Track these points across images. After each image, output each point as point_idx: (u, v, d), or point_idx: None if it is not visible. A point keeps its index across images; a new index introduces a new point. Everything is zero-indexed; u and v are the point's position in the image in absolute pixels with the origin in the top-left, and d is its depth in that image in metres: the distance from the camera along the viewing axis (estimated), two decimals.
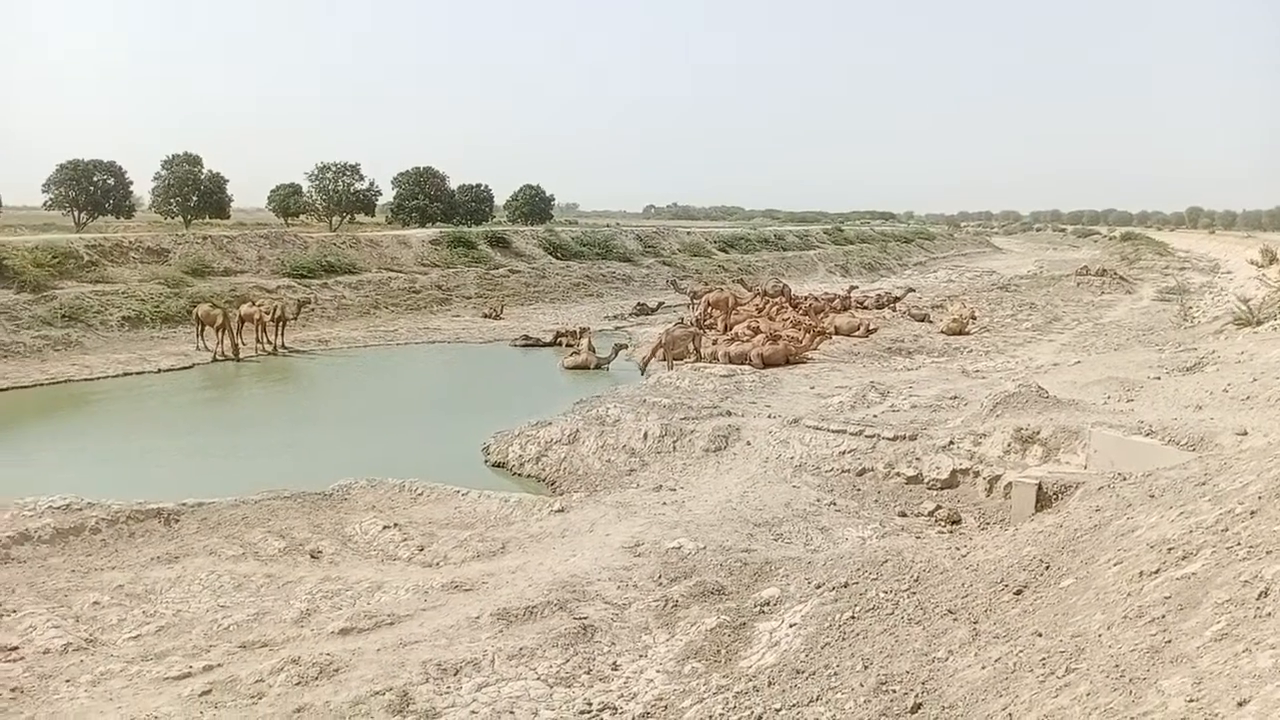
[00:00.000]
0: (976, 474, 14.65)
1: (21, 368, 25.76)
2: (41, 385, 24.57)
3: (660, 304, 43.04)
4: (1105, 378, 19.58)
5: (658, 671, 8.69)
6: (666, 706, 7.88)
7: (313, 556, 12.05)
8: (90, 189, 54.14)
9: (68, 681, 8.62)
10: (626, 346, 29.68)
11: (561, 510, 13.89)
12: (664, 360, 25.97)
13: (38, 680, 8.61)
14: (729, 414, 18.45)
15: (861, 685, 6.41)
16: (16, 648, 9.26)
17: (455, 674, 8.56)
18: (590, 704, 8.10)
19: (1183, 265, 66.10)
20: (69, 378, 25.38)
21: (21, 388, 24.10)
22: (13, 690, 8.38)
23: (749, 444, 16.83)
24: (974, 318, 33.90)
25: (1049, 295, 43.65)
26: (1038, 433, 14.77)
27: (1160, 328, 30.98)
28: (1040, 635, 5.77)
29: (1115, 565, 6.33)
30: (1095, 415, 15.39)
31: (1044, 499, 11.85)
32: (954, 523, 13.44)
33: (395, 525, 13.06)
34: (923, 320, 34.88)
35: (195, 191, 60.27)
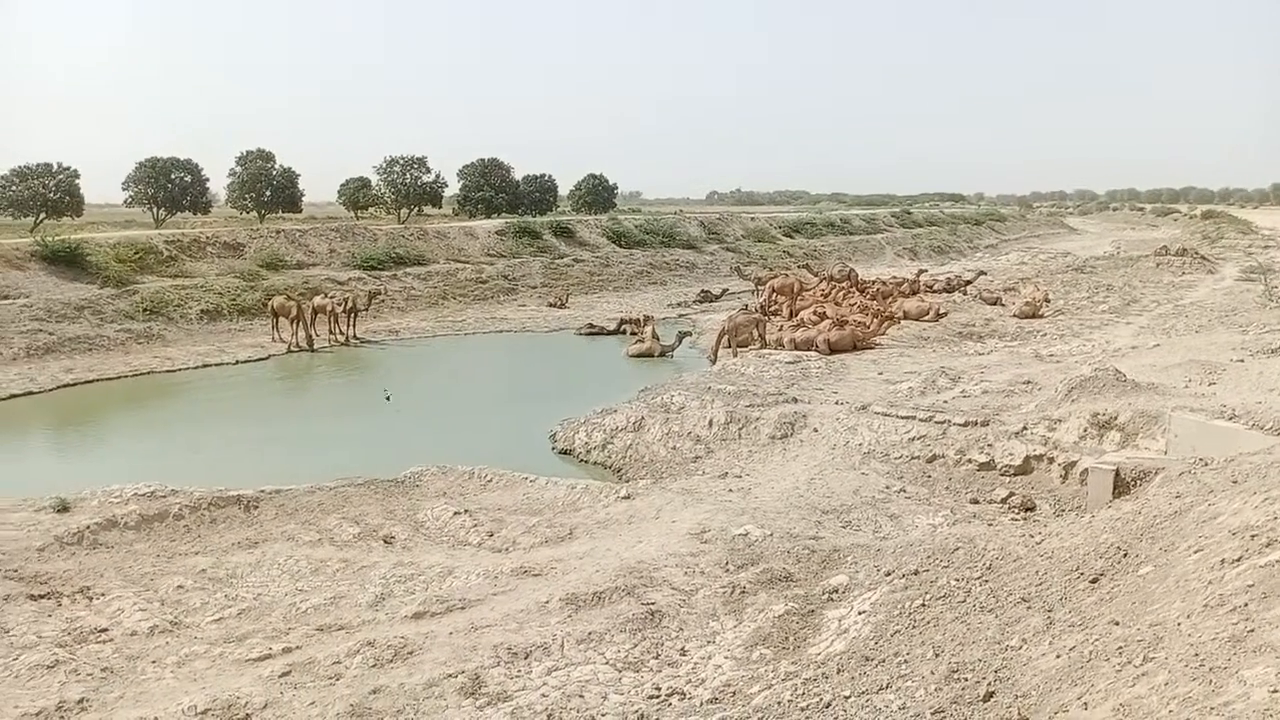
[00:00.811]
0: (1051, 460, 14.35)
1: (106, 360, 26.71)
2: (125, 377, 25.44)
3: (724, 291, 42.86)
4: (1186, 360, 19.00)
5: (726, 657, 8.71)
6: (735, 692, 7.89)
7: (386, 542, 12.31)
8: (168, 186, 55.77)
9: (154, 662, 8.95)
10: (690, 334, 29.64)
11: (628, 497, 13.96)
12: (728, 347, 25.89)
13: (126, 661, 8.96)
14: (795, 400, 18.33)
15: (932, 673, 6.35)
16: (106, 629, 9.65)
17: (525, 657, 8.69)
18: (659, 689, 8.15)
19: (1267, 244, 63.67)
20: (151, 369, 26.25)
21: (107, 379, 25.00)
22: (103, 670, 8.74)
23: (816, 431, 16.71)
24: (1048, 300, 33.10)
25: (1127, 276, 42.41)
26: (1115, 417, 14.41)
27: (1244, 309, 29.87)
28: (1117, 624, 5.64)
29: (1196, 552, 6.16)
30: (1175, 399, 14.95)
31: (1122, 485, 11.56)
32: (1028, 510, 13.20)
33: (465, 511, 13.27)
34: (994, 304, 34.19)
35: (268, 187, 61.71)
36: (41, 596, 10.35)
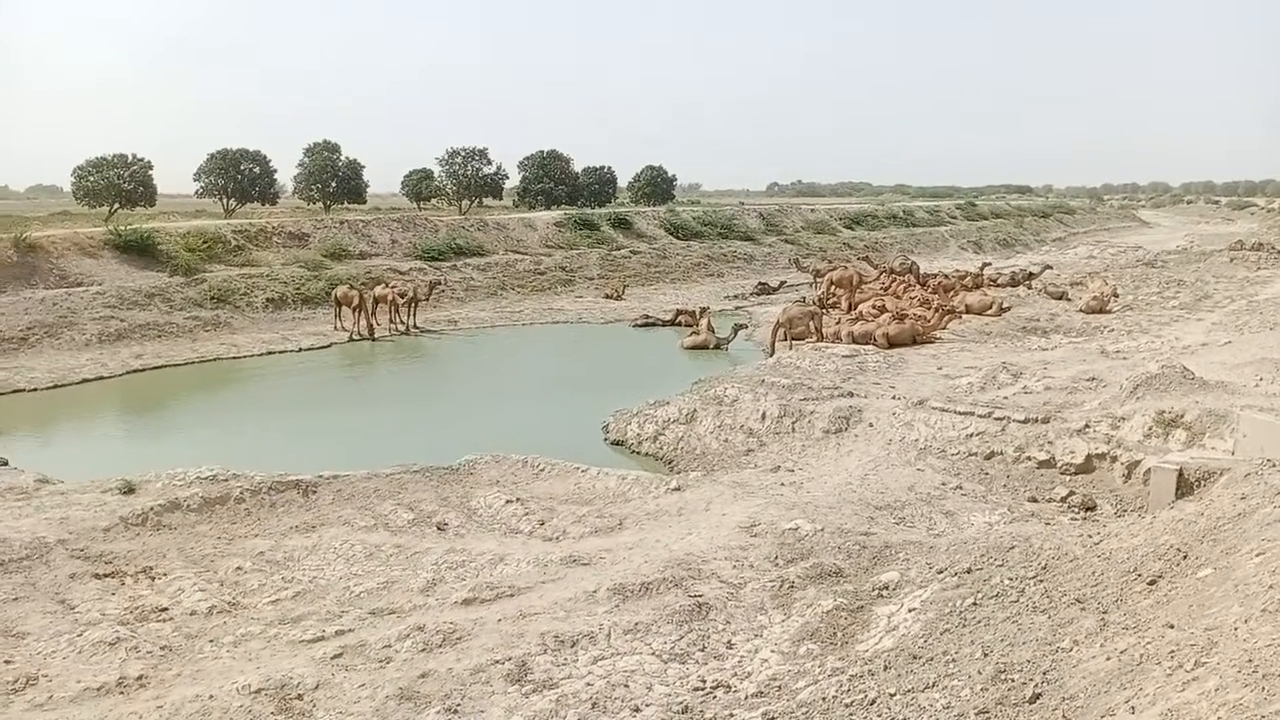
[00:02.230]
0: (1114, 459, 14.00)
1: (174, 347, 27.47)
2: (192, 363, 26.15)
3: (782, 283, 42.55)
4: (1258, 359, 18.38)
5: (772, 652, 8.66)
6: (780, 687, 7.85)
7: (439, 528, 12.48)
8: (238, 177, 57.04)
9: (211, 641, 9.20)
10: (746, 326, 29.50)
11: (678, 489, 13.95)
12: (784, 340, 25.70)
13: (185, 640, 9.22)
14: (851, 395, 18.13)
15: (979, 673, 6.24)
16: (166, 609, 9.93)
17: (572, 646, 8.74)
18: (704, 681, 8.14)
19: None
20: (218, 356, 26.93)
21: (174, 365, 25.71)
22: (162, 648, 8.99)
23: (871, 425, 16.52)
24: (1116, 295, 32.23)
25: (1199, 271, 41.13)
26: (1181, 416, 14.00)
27: None
28: (1171, 627, 5.48)
29: (1258, 556, 5.95)
30: (1245, 398, 14.48)
31: (1185, 486, 11.22)
32: (1088, 509, 12.89)
33: (517, 500, 13.39)
34: (1060, 298, 33.41)
35: (334, 178, 62.77)
36: (106, 575, 10.69)
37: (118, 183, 49.42)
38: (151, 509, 12.51)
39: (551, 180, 68.47)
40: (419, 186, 68.93)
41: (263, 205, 59.38)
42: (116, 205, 49.04)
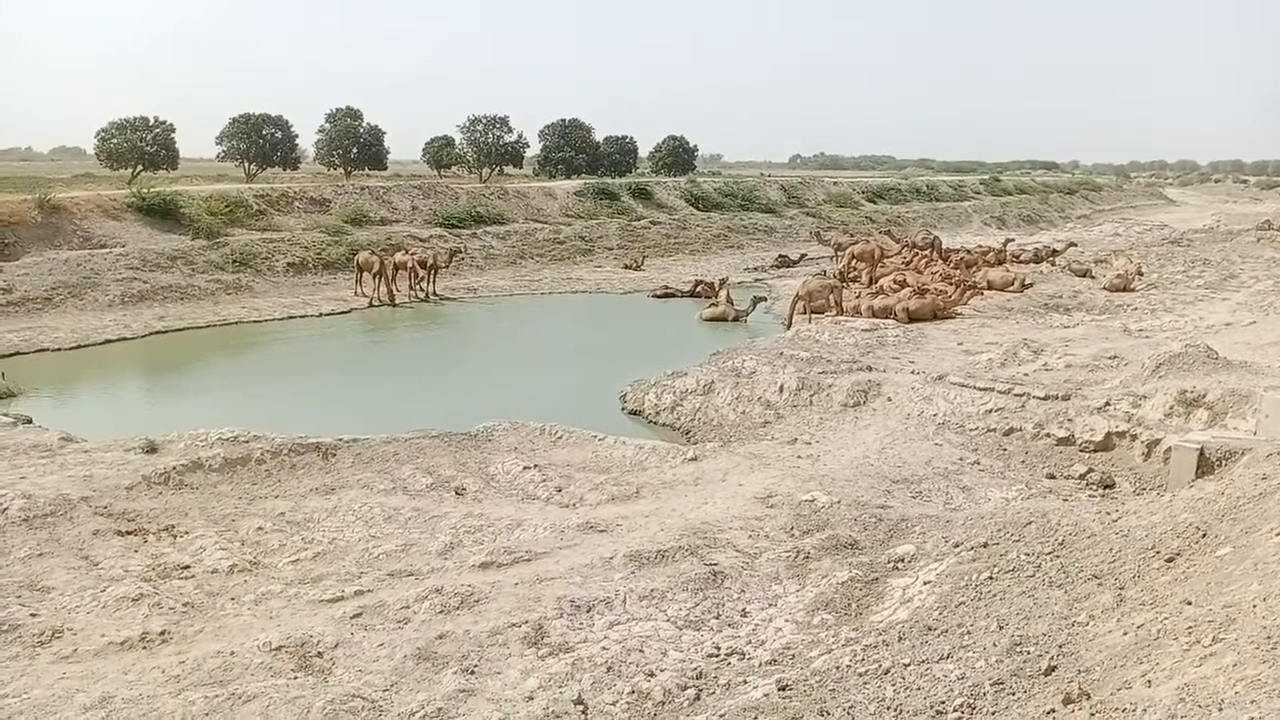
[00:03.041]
0: (1134, 437, 13.92)
1: (197, 309, 27.65)
2: (214, 326, 26.33)
3: (802, 256, 42.32)
4: None
5: (786, 621, 8.71)
6: (794, 655, 7.90)
7: (457, 493, 12.57)
8: (260, 142, 57.12)
9: (233, 599, 9.32)
10: (765, 299, 29.35)
11: (695, 459, 13.98)
12: (804, 313, 25.60)
13: (206, 597, 9.35)
14: (870, 369, 18.07)
15: (995, 645, 6.25)
16: (188, 566, 10.06)
17: (588, 611, 8.82)
18: (718, 648, 8.20)
19: None
20: (239, 319, 27.10)
21: (196, 328, 25.89)
22: (185, 605, 9.13)
23: (890, 400, 16.47)
24: (1140, 274, 31.91)
25: (1225, 251, 40.63)
26: (1203, 395, 13.89)
27: None
28: (1189, 603, 5.47)
29: (1278, 536, 5.92)
30: (1269, 378, 14.36)
31: (1206, 465, 11.16)
32: (1107, 487, 12.85)
33: (535, 466, 13.45)
34: (1084, 276, 33.08)
35: (355, 144, 62.78)
36: (129, 533, 10.84)
37: (140, 145, 49.63)
38: (174, 468, 12.65)
39: (572, 149, 68.18)
40: (440, 154, 68.89)
41: (284, 170, 59.50)
42: (139, 168, 49.24)
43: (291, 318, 27.74)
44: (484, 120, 66.64)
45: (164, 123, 51.29)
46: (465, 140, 67.52)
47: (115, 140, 49.82)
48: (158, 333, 24.99)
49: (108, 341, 23.57)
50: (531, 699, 7.35)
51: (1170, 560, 6.76)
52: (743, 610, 9.02)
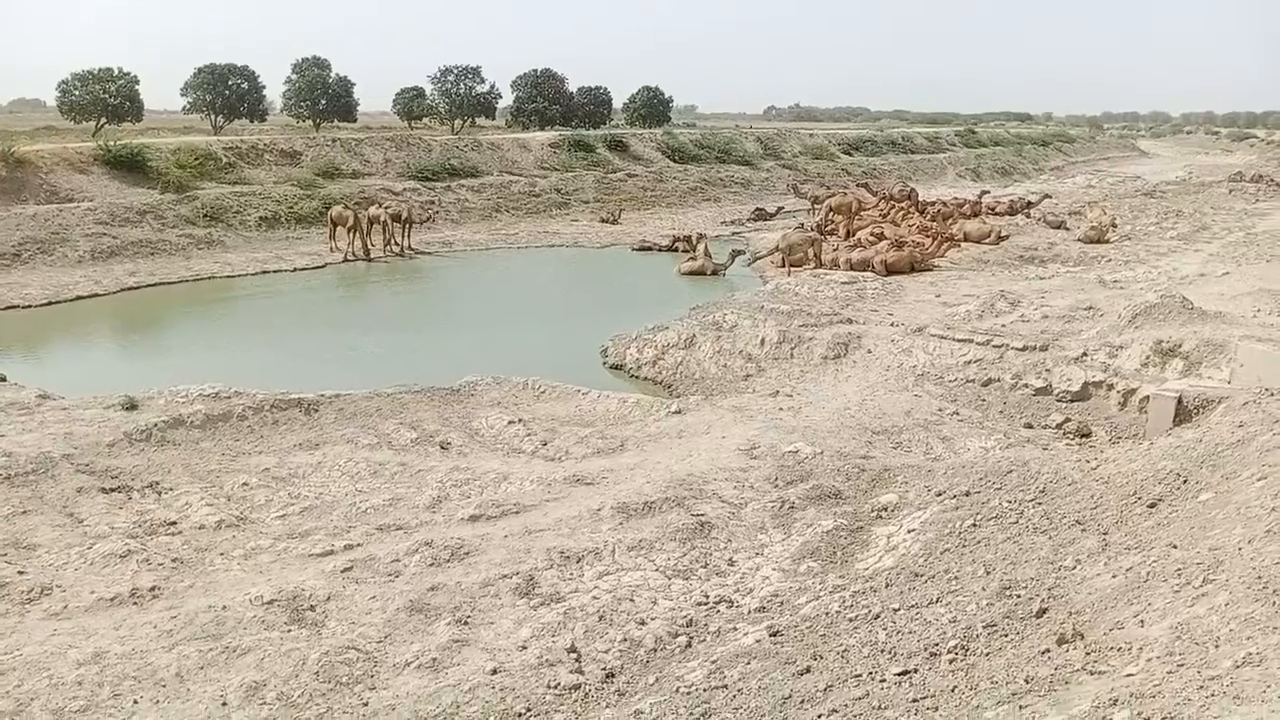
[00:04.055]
0: (1110, 387, 14.12)
1: (169, 265, 27.24)
2: (187, 281, 25.97)
3: (780, 209, 42.17)
4: (1256, 289, 18.44)
5: (773, 569, 8.84)
6: (782, 602, 8.03)
7: (442, 448, 12.57)
8: (226, 93, 55.88)
9: (221, 554, 9.32)
10: (743, 253, 29.32)
11: (679, 412, 14.05)
12: (782, 266, 25.60)
13: (195, 553, 9.33)
14: (849, 321, 18.16)
15: (983, 589, 6.38)
16: (175, 523, 10.03)
17: (578, 561, 8.91)
18: (707, 596, 8.32)
19: None
20: (212, 274, 26.74)
21: (169, 283, 25.54)
22: (173, 560, 9.11)
23: (869, 352, 16.58)
24: (1114, 225, 32.09)
25: (1197, 202, 40.95)
26: (1179, 345, 14.09)
27: None
28: (1175, 547, 5.60)
29: (1259, 481, 6.06)
30: (1243, 328, 14.57)
31: (1183, 413, 11.34)
32: (1084, 436, 13.04)
33: (519, 420, 13.47)
34: (1059, 227, 33.26)
35: (324, 95, 61.59)
36: (113, 490, 10.77)
37: (104, 97, 48.36)
38: (155, 425, 12.54)
39: (546, 100, 67.21)
40: (411, 105, 67.73)
41: (251, 122, 58.33)
42: (103, 120, 48.10)
43: (265, 273, 27.41)
44: (455, 71, 65.55)
45: (127, 74, 49.96)
46: (436, 91, 66.45)
47: (78, 92, 48.50)
48: (130, 289, 24.63)
49: (79, 298, 23.20)
50: (525, 648, 7.44)
51: (1153, 506, 6.90)
52: (730, 559, 9.13)
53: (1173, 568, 5.16)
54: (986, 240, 29.34)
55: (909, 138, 74.20)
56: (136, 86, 50.25)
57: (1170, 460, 7.98)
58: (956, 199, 40.00)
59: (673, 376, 17.21)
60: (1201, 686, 3.54)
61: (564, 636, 7.54)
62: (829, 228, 31.84)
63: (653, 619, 7.88)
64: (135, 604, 8.24)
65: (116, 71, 49.66)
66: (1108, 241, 29.84)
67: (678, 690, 6.47)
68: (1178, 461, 7.85)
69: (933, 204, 37.11)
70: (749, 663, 6.63)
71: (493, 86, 66.92)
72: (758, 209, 42.01)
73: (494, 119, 70.68)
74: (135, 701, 6.81)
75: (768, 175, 52.93)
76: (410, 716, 6.55)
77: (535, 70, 68.66)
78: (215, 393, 13.87)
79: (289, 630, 7.71)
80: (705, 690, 6.34)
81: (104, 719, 6.63)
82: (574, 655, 7.27)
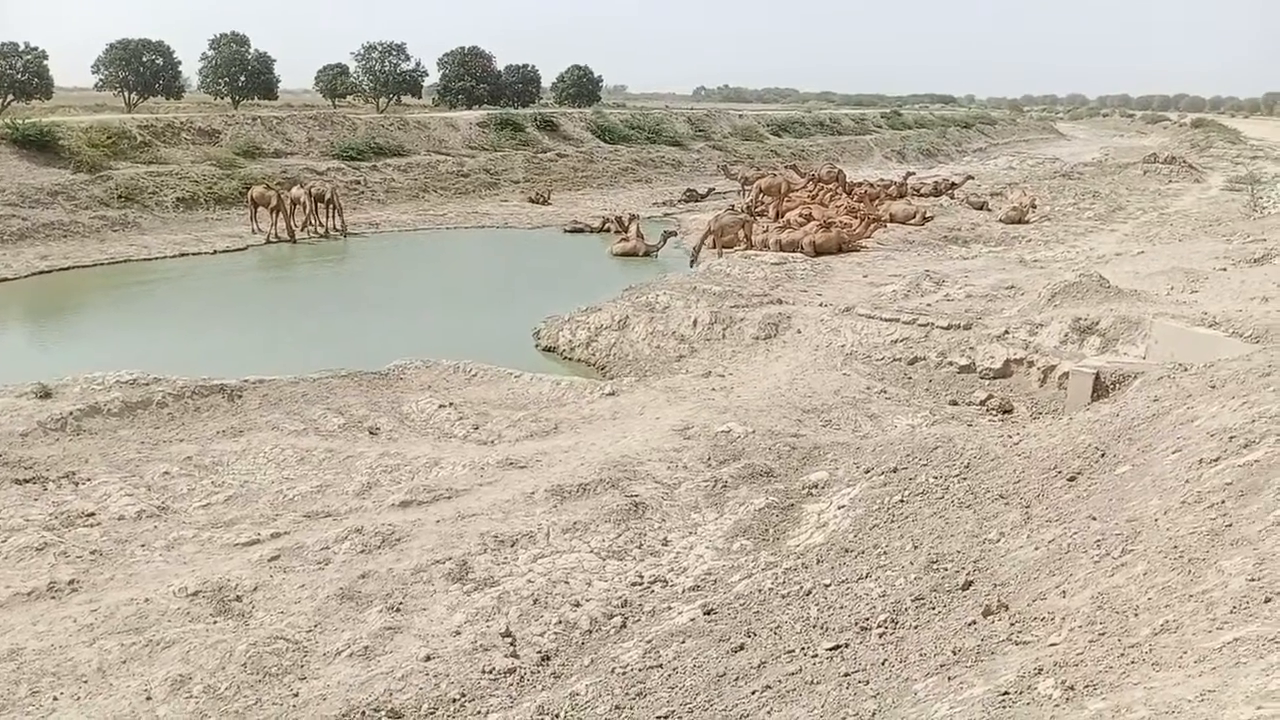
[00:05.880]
0: (1031, 364, 14.50)
1: (82, 247, 26.27)
2: (101, 265, 25.08)
3: (710, 190, 42.32)
4: (1169, 268, 19.08)
5: (707, 548, 8.91)
6: (716, 580, 8.10)
7: (371, 433, 12.37)
8: (140, 69, 53.99)
9: (143, 546, 9.04)
10: (675, 234, 29.38)
11: (612, 394, 14.05)
12: (714, 248, 25.72)
13: (115, 544, 9.04)
14: (780, 302, 18.33)
15: (912, 564, 6.52)
16: (93, 514, 9.70)
17: (512, 545, 8.86)
18: (642, 576, 8.35)
19: (1255, 154, 63.28)
20: (128, 257, 25.86)
21: (83, 267, 24.64)
22: (92, 553, 8.82)
23: (799, 332, 16.77)
24: (1034, 206, 32.95)
25: (1113, 184, 42.22)
26: (1096, 323, 14.52)
27: (1229, 218, 29.86)
28: (1095, 519, 5.78)
29: (1174, 453, 6.28)
30: (1157, 306, 15.07)
31: (1101, 389, 11.70)
32: (1006, 412, 13.39)
33: (450, 404, 13.32)
34: (981, 208, 34.01)
35: (243, 72, 59.87)
36: (27, 481, 10.38)
37: (10, 73, 46.38)
38: (70, 414, 12.12)
39: (473, 79, 66.38)
40: (334, 83, 66.30)
41: (167, 100, 56.50)
42: (9, 98, 46.13)
43: (184, 255, 26.61)
44: (380, 47, 64.36)
45: (35, 49, 47.99)
46: (360, 69, 65.17)
47: None
48: (41, 273, 23.70)
49: None
50: (459, 633, 7.38)
51: (1072, 479, 7.11)
52: (664, 539, 9.18)
53: (1092, 539, 5.33)
54: (912, 221, 29.84)
55: (836, 119, 74.97)
56: (45, 62, 48.33)
57: (1089, 435, 8.23)
58: (883, 180, 40.65)
59: (606, 358, 17.20)
60: (1122, 654, 3.66)
61: (498, 621, 7.50)
62: (759, 209, 32.06)
63: (587, 600, 7.88)
64: (53, 598, 7.96)
65: (23, 46, 47.67)
66: (1028, 222, 30.61)
67: (613, 671, 6.48)
68: (1096, 436, 8.09)
69: (860, 185, 37.66)
70: (684, 641, 6.67)
71: (418, 64, 66.06)
72: (689, 190, 42.10)
73: (420, 98, 69.59)
74: (55, 698, 6.59)
75: (698, 156, 53.03)
76: (342, 706, 6.45)
77: (462, 48, 67.82)
78: (133, 379, 13.44)
79: (215, 622, 7.53)
80: (641, 670, 6.37)
81: (22, 718, 6.40)
82: (508, 639, 7.24)
